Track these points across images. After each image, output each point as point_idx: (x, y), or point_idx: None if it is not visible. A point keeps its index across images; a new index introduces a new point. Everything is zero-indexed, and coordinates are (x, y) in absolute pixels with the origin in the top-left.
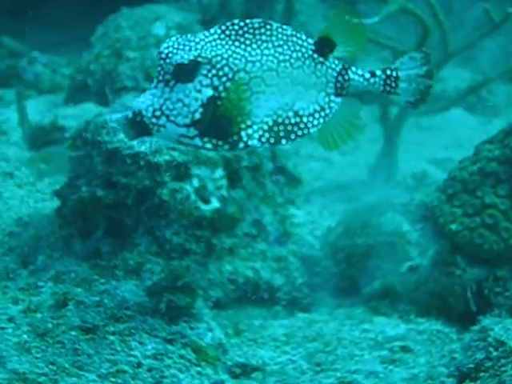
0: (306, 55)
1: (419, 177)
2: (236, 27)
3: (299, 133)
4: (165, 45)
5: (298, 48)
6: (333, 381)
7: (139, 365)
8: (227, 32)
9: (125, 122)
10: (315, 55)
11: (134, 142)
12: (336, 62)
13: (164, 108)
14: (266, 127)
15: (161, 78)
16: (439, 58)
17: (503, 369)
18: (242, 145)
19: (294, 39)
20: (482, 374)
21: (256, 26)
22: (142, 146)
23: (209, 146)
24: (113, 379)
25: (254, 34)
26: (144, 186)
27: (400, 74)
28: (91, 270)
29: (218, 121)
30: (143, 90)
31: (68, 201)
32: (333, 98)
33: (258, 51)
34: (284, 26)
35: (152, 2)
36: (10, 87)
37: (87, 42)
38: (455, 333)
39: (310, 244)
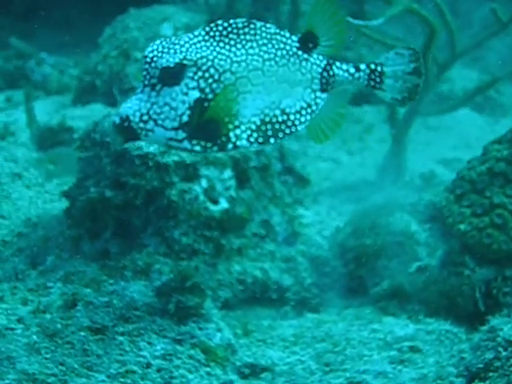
0: (290, 53)
1: (427, 177)
2: (220, 28)
3: (287, 131)
4: (149, 49)
5: (282, 46)
6: (342, 381)
7: (148, 365)
8: (211, 33)
9: (112, 127)
10: (299, 52)
11: (142, 144)
12: (320, 57)
13: (151, 112)
14: (253, 127)
15: (147, 82)
16: (447, 58)
17: None
18: (230, 146)
19: (278, 37)
20: (491, 374)
21: (240, 25)
22: (150, 146)
23: (198, 148)
24: (122, 380)
25: (238, 34)
26: (153, 187)
27: (385, 69)
28: (100, 270)
29: (206, 123)
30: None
31: (77, 201)
32: (319, 94)
33: (243, 51)
34: (267, 25)
35: (159, 3)
36: (18, 88)
37: (95, 42)
38: (464, 333)
39: (319, 244)
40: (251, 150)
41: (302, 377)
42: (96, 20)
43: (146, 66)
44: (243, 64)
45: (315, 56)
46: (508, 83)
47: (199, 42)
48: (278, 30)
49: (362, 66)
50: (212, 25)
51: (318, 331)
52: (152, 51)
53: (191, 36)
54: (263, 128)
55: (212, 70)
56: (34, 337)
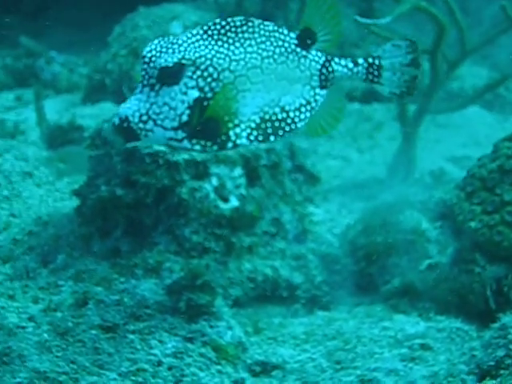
0: (289, 50)
1: (437, 175)
2: (218, 26)
3: (287, 128)
4: (148, 48)
5: (280, 43)
6: (353, 379)
7: (159, 363)
8: (209, 32)
9: (112, 128)
10: (298, 49)
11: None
12: (319, 54)
13: (150, 112)
14: (253, 125)
15: (145, 82)
16: (457, 55)
17: None
18: (230, 144)
19: (277, 34)
20: (502, 372)
21: (238, 24)
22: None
23: (198, 147)
24: (133, 378)
25: (236, 33)
26: (163, 185)
27: (383, 62)
28: (111, 268)
29: (206, 122)
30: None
31: (87, 200)
32: (318, 90)
33: (242, 49)
34: (266, 22)
35: (169, 2)
36: (27, 87)
37: (104, 41)
38: (475, 330)
39: (329, 242)
40: (252, 148)
41: (313, 374)
42: (105, 18)
43: (145, 66)
44: (242, 62)
45: (314, 53)
46: None
47: (197, 40)
48: (276, 28)
49: (360, 60)
50: (210, 23)
51: (328, 329)
52: (150, 51)
53: (189, 35)
54: (263, 126)
55: (211, 69)
56: (45, 335)
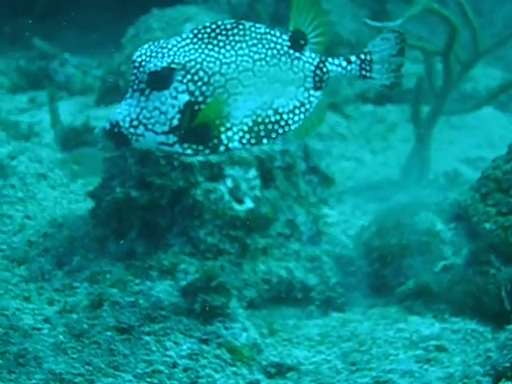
0: (281, 52)
1: (451, 176)
2: (208, 30)
3: (280, 130)
4: (137, 53)
5: (272, 45)
6: (368, 380)
7: (175, 365)
8: (199, 36)
9: (103, 133)
10: (291, 51)
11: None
12: (313, 55)
13: (141, 117)
14: (245, 128)
15: (136, 87)
16: (470, 57)
17: None
18: (222, 148)
19: (268, 37)
20: None
21: (228, 27)
22: None
23: (189, 151)
24: (148, 379)
25: (227, 36)
26: (178, 187)
27: (374, 56)
28: (126, 270)
29: (197, 126)
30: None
31: (102, 202)
32: (312, 92)
33: (233, 52)
34: (257, 25)
35: (182, 3)
36: (41, 89)
37: (118, 43)
38: (490, 332)
39: (344, 244)
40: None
41: (328, 376)
42: (119, 20)
43: (135, 71)
44: (233, 65)
45: (308, 54)
46: None
47: (187, 44)
48: (268, 30)
49: (353, 58)
50: (200, 27)
51: (343, 330)
52: (140, 56)
53: (179, 39)
54: (256, 129)
55: (201, 73)
56: (61, 337)
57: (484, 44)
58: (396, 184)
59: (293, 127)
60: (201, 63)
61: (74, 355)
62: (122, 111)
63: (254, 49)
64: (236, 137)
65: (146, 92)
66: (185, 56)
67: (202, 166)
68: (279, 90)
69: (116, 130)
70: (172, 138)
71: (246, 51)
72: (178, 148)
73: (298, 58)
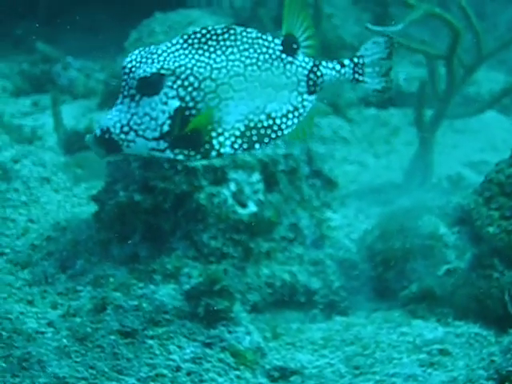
0: (273, 56)
1: (455, 180)
2: (198, 35)
3: (273, 135)
4: (127, 59)
5: (264, 50)
6: None
7: (178, 368)
8: (190, 41)
9: (93, 140)
10: (283, 55)
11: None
12: (306, 59)
13: (132, 123)
14: (237, 133)
15: (126, 93)
16: (473, 60)
17: None
18: (214, 153)
19: (260, 41)
20: None
21: (219, 32)
22: None
23: (180, 157)
24: (152, 383)
25: (217, 41)
26: (181, 191)
27: (366, 60)
28: (129, 274)
29: (188, 132)
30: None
31: (106, 205)
32: (306, 96)
33: (223, 57)
34: (248, 29)
35: (185, 7)
36: (44, 92)
37: (121, 47)
38: (493, 336)
39: (347, 247)
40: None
41: (332, 380)
42: (122, 24)
43: (125, 77)
44: (224, 70)
45: (301, 58)
46: None
47: (177, 50)
48: (259, 35)
49: (346, 61)
50: (190, 32)
51: (346, 334)
52: (130, 61)
53: (169, 45)
54: (248, 134)
55: (191, 78)
56: (64, 340)
57: (487, 48)
58: (399, 188)
59: (286, 132)
60: (191, 68)
61: (78, 359)
62: (112, 117)
63: (246, 53)
64: (228, 142)
65: (137, 98)
66: (175, 61)
67: (205, 169)
68: (272, 95)
69: (107, 136)
70: (163, 144)
71: (237, 56)
72: (169, 154)
73: (291, 63)
